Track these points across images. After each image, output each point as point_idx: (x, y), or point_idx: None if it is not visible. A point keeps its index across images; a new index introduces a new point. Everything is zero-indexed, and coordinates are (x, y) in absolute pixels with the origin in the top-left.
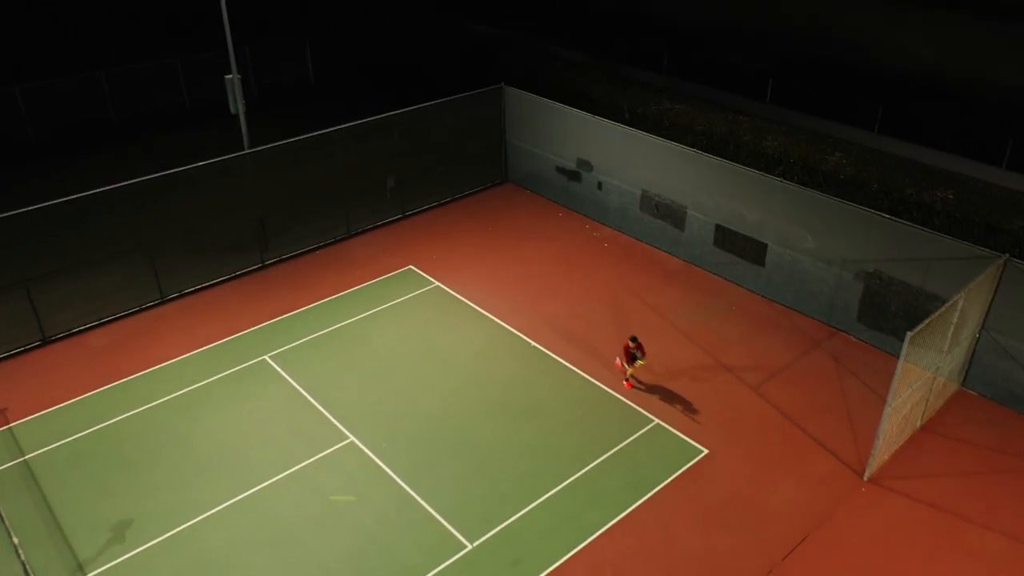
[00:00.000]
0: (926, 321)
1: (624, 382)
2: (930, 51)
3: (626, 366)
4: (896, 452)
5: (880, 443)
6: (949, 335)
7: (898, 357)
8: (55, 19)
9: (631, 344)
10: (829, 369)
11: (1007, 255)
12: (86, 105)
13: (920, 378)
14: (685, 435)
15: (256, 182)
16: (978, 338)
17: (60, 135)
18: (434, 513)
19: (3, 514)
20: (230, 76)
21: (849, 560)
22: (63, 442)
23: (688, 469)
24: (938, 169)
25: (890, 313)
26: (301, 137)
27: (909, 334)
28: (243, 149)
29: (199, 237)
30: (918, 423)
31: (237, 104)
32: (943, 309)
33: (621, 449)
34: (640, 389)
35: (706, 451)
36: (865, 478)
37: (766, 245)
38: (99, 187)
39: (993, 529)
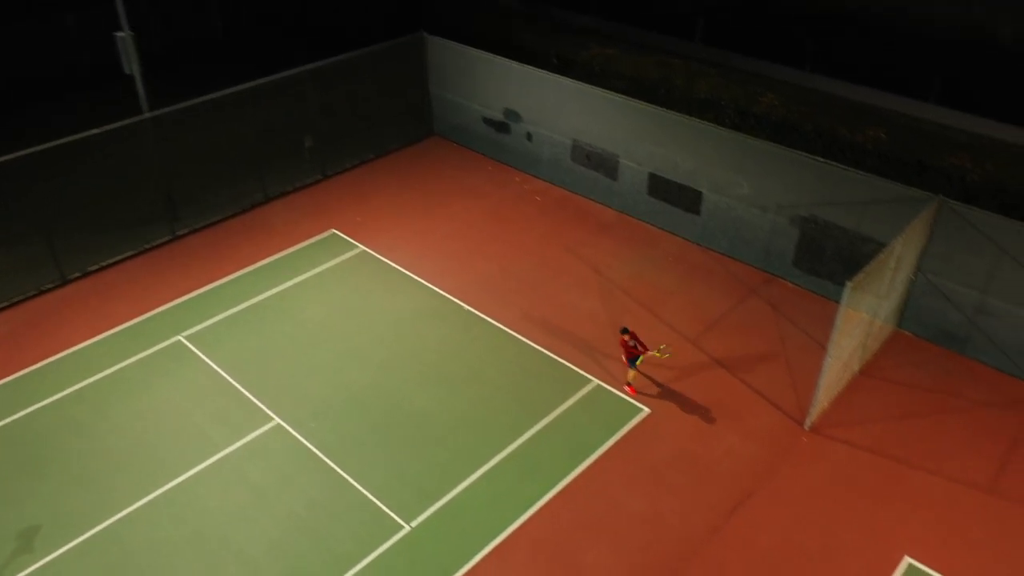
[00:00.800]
0: (864, 269)
1: (626, 387)
2: None
3: (630, 370)
4: (836, 398)
5: (820, 393)
6: (887, 280)
7: (835, 301)
8: None
9: (626, 338)
10: (767, 316)
11: (940, 196)
12: None
13: (859, 324)
14: (625, 395)
15: (160, 147)
16: (914, 280)
17: None
18: (368, 494)
19: None
20: (122, 34)
21: (794, 512)
22: None
23: (630, 430)
24: (870, 107)
25: (826, 257)
26: (206, 98)
27: (849, 284)
28: (142, 113)
29: (100, 211)
30: (856, 368)
31: (132, 64)
32: (881, 256)
33: (561, 413)
34: (652, 394)
35: (647, 410)
36: (806, 427)
37: (701, 193)
38: None
39: (934, 472)
